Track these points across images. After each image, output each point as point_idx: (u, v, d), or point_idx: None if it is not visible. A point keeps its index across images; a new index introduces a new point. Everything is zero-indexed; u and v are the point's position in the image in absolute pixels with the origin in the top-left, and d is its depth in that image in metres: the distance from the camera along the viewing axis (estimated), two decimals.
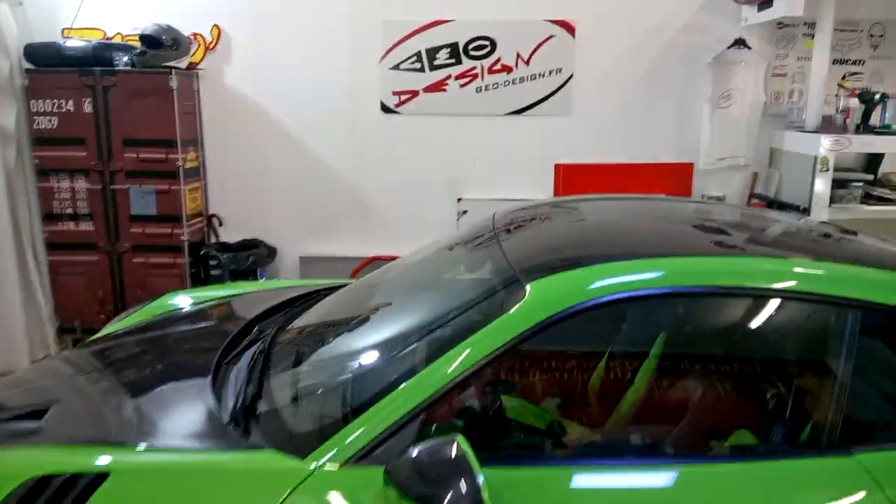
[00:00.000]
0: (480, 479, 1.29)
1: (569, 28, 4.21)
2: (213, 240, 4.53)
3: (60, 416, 1.80)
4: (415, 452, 1.34)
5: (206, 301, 2.75)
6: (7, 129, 3.90)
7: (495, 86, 4.30)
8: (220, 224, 4.53)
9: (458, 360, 1.51)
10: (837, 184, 3.83)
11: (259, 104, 4.39)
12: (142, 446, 1.58)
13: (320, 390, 1.74)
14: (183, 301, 2.78)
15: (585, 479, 1.50)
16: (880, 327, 1.59)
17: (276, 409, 1.71)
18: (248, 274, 4.29)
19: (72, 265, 4.22)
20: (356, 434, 1.48)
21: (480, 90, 4.31)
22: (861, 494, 1.39)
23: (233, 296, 2.80)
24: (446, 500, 1.27)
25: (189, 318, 2.60)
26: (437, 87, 4.30)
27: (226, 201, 4.53)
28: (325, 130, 4.41)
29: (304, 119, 4.40)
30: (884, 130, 3.78)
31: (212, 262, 4.24)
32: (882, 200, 3.88)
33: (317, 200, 4.52)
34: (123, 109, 3.97)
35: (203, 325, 2.50)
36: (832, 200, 3.75)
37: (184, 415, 1.75)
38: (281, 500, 1.41)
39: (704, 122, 4.22)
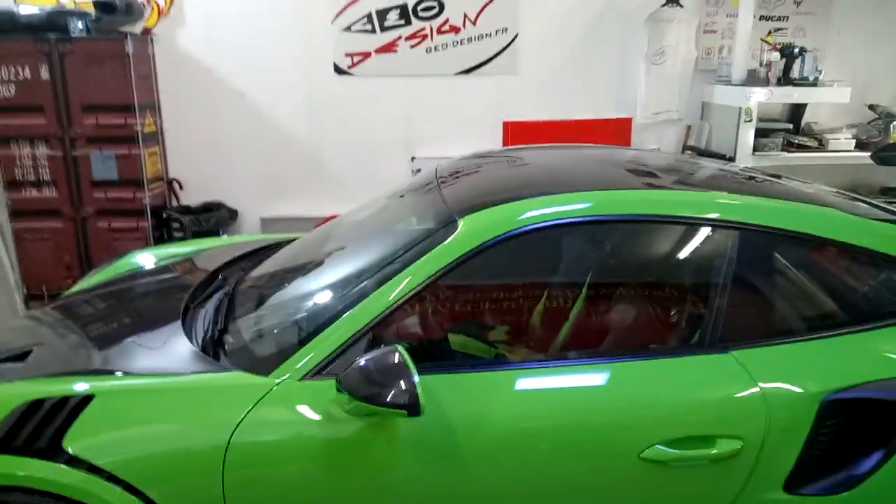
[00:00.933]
0: (416, 379, 1.53)
1: None
2: (174, 203, 4.66)
3: (42, 356, 1.99)
4: (362, 361, 1.58)
5: (169, 258, 2.92)
6: None
7: (444, 46, 4.48)
8: (181, 188, 4.67)
9: (398, 288, 1.74)
10: (761, 133, 4.14)
11: (214, 68, 4.50)
12: (121, 374, 1.80)
13: (279, 321, 1.96)
14: (146, 259, 2.94)
15: (513, 378, 1.75)
16: (763, 247, 1.86)
17: (241, 338, 1.93)
18: (211, 236, 4.44)
19: (37, 232, 4.33)
20: (311, 354, 1.71)
21: (430, 51, 4.48)
22: (735, 384, 1.68)
23: (195, 251, 2.98)
24: (389, 397, 1.52)
25: (156, 272, 2.77)
26: (389, 48, 4.47)
27: (185, 165, 4.66)
28: (281, 93, 4.55)
29: (260, 82, 4.53)
30: (802, 82, 4.08)
31: (174, 225, 4.39)
32: (802, 148, 4.20)
33: (275, 162, 4.67)
34: (80, 75, 4.06)
35: (169, 276, 2.68)
36: (755, 149, 4.05)
37: (157, 348, 1.96)
38: (248, 409, 1.65)
39: (641, 78, 4.48)
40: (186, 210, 4.53)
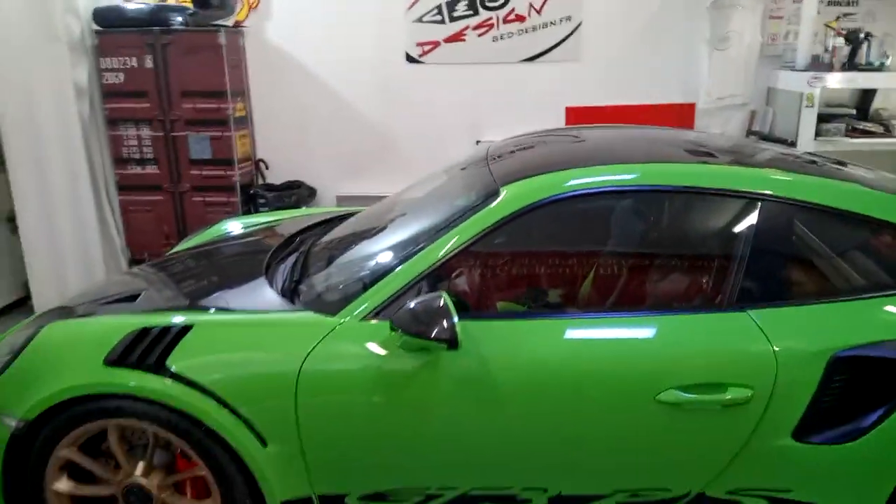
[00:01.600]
0: (455, 319, 1.79)
1: None
2: (259, 181, 5.08)
3: (149, 298, 2.37)
4: (412, 304, 1.84)
5: (253, 226, 3.29)
6: (81, 85, 4.47)
7: (510, 35, 4.68)
8: (266, 167, 5.08)
9: (446, 247, 2.00)
10: (824, 118, 4.14)
11: (297, 57, 4.88)
12: (214, 310, 2.14)
13: (345, 273, 2.25)
14: (234, 226, 3.32)
15: (546, 327, 1.97)
16: (776, 218, 2.01)
17: (313, 287, 2.23)
18: None
19: (140, 204, 4.83)
20: (369, 299, 2.00)
21: (496, 39, 4.70)
22: (750, 339, 1.85)
23: (275, 221, 3.34)
24: (433, 333, 1.78)
25: (242, 237, 3.14)
26: (457, 37, 4.71)
27: (270, 147, 5.06)
28: (357, 80, 4.87)
29: (338, 70, 4.87)
30: (867, 67, 4.05)
31: (260, 201, 4.79)
32: (866, 133, 4.18)
33: (351, 145, 5.02)
34: (180, 65, 4.50)
35: (253, 239, 3.04)
36: (818, 134, 4.07)
37: (245, 293, 2.30)
38: (317, 342, 1.94)
39: (704, 63, 4.54)
40: (270, 188, 4.94)
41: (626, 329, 1.96)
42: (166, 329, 2.01)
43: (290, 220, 3.33)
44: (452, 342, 1.77)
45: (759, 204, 2.00)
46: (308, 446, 1.96)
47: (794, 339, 1.84)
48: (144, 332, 2.02)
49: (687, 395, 1.82)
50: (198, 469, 2.02)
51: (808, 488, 1.87)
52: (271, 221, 3.33)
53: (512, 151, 2.57)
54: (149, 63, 4.53)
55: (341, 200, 5.05)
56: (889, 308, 1.88)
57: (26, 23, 4.15)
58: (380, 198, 4.91)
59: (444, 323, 1.79)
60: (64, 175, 4.45)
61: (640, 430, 1.88)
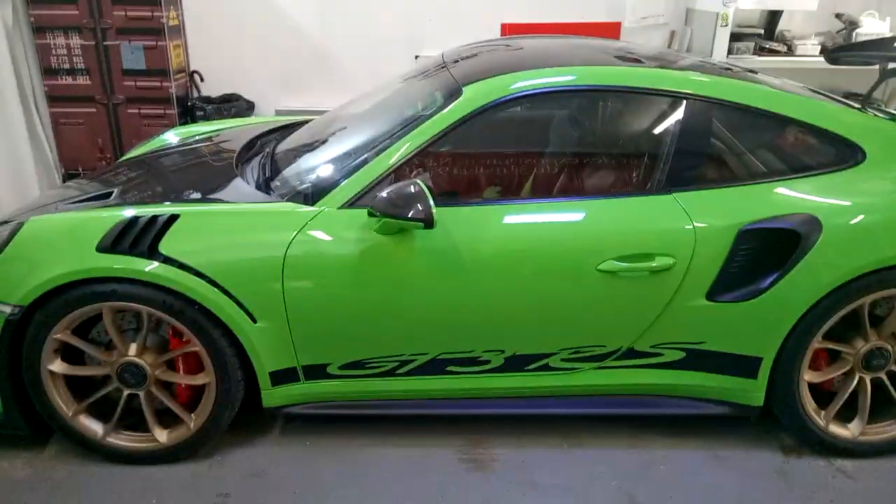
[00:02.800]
0: (432, 202, 2.03)
1: None
2: (195, 94, 5.05)
3: (125, 194, 2.48)
4: (389, 190, 2.07)
5: (199, 134, 3.35)
6: None
7: None
8: (202, 80, 5.04)
9: (419, 140, 2.22)
10: (736, 38, 4.51)
11: None
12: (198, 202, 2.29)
13: (319, 168, 2.43)
14: (172, 137, 3.38)
15: (503, 211, 2.25)
16: (697, 114, 2.33)
17: (288, 181, 2.41)
18: None
19: (72, 116, 4.72)
20: (347, 188, 2.21)
21: None
22: (673, 216, 2.19)
23: (218, 129, 3.40)
24: (411, 213, 2.02)
25: (197, 143, 3.22)
26: None
27: (205, 58, 5.01)
28: None
29: None
30: None
31: (198, 114, 4.79)
32: (772, 52, 4.59)
33: (289, 58, 5.03)
34: None
35: (212, 144, 3.14)
36: (729, 52, 4.45)
37: (221, 188, 2.46)
38: (299, 229, 2.15)
39: None
40: (208, 100, 4.92)
41: (571, 212, 2.26)
42: (154, 218, 2.16)
43: (236, 127, 3.42)
44: (429, 222, 2.02)
45: (683, 102, 2.31)
46: (293, 322, 2.20)
47: (710, 216, 2.19)
48: (134, 221, 2.16)
49: (621, 263, 2.16)
50: (191, 346, 2.22)
51: (719, 339, 2.27)
52: (215, 130, 3.41)
53: (466, 58, 2.77)
54: None
55: (280, 114, 5.09)
56: (784, 190, 2.25)
57: None
58: (320, 112, 5.04)
59: (420, 205, 2.03)
60: None
61: (583, 296, 2.22)
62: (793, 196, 2.22)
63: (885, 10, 4.90)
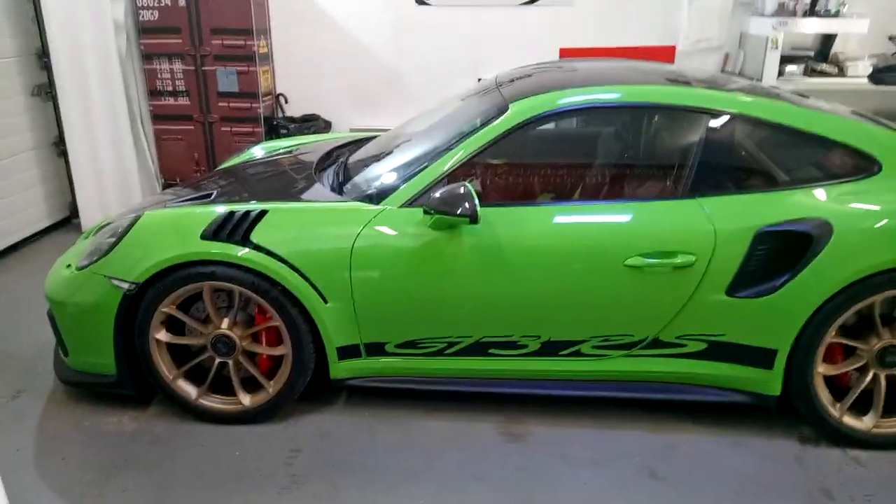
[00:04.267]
0: (476, 200, 2.37)
1: None
2: (280, 114, 5.58)
3: (222, 195, 2.93)
4: (441, 191, 2.42)
5: (280, 149, 3.81)
6: (119, 21, 4.91)
7: None
8: (286, 101, 5.57)
9: (470, 148, 2.57)
10: (788, 60, 4.68)
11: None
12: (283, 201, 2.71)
13: (385, 174, 2.81)
14: (269, 146, 3.86)
15: (546, 212, 2.56)
16: (724, 129, 2.59)
17: (358, 185, 2.80)
18: None
19: (172, 133, 5.34)
20: (407, 190, 2.57)
21: None
22: (696, 219, 2.45)
23: (300, 144, 3.86)
24: (458, 210, 2.36)
25: (280, 156, 3.68)
26: None
27: (290, 83, 5.55)
28: (370, 21, 5.34)
29: (352, 11, 5.33)
30: (825, 14, 4.58)
31: (282, 131, 5.31)
32: (823, 74, 4.73)
33: (363, 81, 5.51)
34: (210, 4, 4.94)
35: (293, 156, 3.58)
36: (780, 74, 4.62)
37: (304, 190, 2.87)
38: (365, 223, 2.53)
39: (684, 9, 5.04)
40: (291, 120, 5.45)
41: (606, 214, 2.55)
42: (247, 213, 2.59)
43: (313, 142, 3.86)
44: (473, 217, 2.37)
45: (713, 117, 2.58)
46: (358, 304, 2.57)
47: (730, 219, 2.44)
48: (230, 215, 2.59)
49: (647, 259, 2.43)
50: (273, 322, 2.62)
51: (737, 332, 2.50)
52: (295, 145, 3.85)
53: (517, 78, 3.11)
54: (182, 2, 4.97)
55: (354, 131, 5.56)
56: (801, 197, 2.47)
57: None
58: (388, 130, 5.50)
59: (467, 204, 2.37)
60: (104, 105, 4.93)
61: (612, 289, 2.49)
62: (808, 202, 2.44)
63: None
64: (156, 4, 4.99)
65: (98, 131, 4.94)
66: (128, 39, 5.02)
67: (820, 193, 2.47)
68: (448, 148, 2.65)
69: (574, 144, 3.25)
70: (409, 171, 2.68)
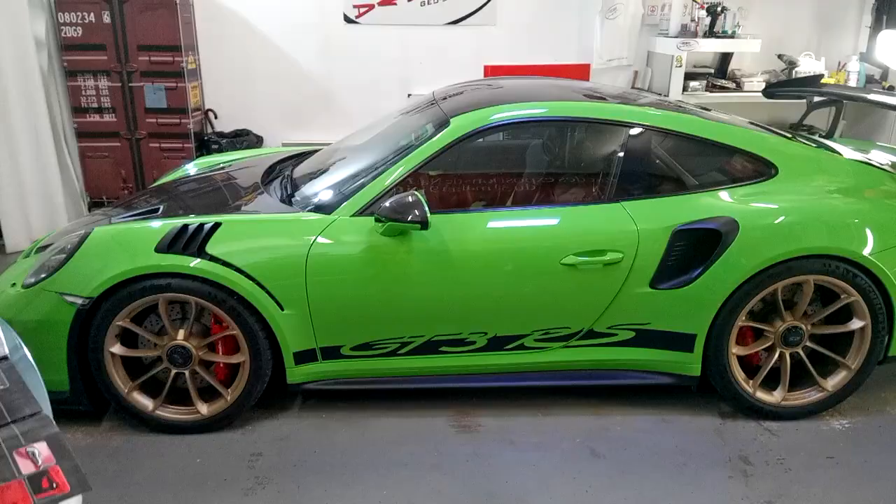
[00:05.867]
0: (426, 208, 2.55)
1: None
2: (209, 130, 5.59)
3: (170, 210, 2.99)
4: (391, 201, 2.59)
5: (216, 164, 3.87)
6: (39, 37, 4.81)
7: (436, 1, 5.38)
8: (216, 117, 5.58)
9: (417, 160, 2.75)
10: (691, 76, 5.13)
11: (242, 15, 5.38)
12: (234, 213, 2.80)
13: (334, 185, 2.95)
14: (203, 163, 3.91)
15: (485, 217, 2.78)
16: (640, 140, 2.88)
17: (308, 196, 2.93)
18: None
19: (98, 150, 5.25)
20: (358, 200, 2.72)
21: (424, 4, 5.39)
22: (621, 221, 2.72)
23: (236, 159, 3.93)
24: (409, 217, 2.54)
25: (218, 171, 3.74)
26: (390, 1, 5.36)
27: (219, 98, 5.56)
28: (299, 37, 5.44)
29: (281, 28, 5.42)
30: (723, 35, 5.06)
31: (213, 147, 5.31)
32: (722, 89, 5.21)
33: (294, 97, 5.60)
34: (136, 20, 4.92)
35: (233, 170, 3.65)
36: (684, 89, 5.05)
37: (252, 202, 2.97)
38: (319, 232, 2.66)
39: (597, 30, 5.43)
40: (222, 135, 5.46)
41: (540, 218, 2.79)
42: (201, 225, 2.67)
43: (248, 157, 3.94)
44: (424, 223, 2.54)
45: (628, 130, 2.87)
46: (314, 310, 2.69)
47: (650, 219, 2.72)
48: (184, 228, 2.66)
49: (580, 258, 2.68)
50: (229, 330, 2.70)
51: (661, 320, 2.78)
52: (230, 161, 3.92)
53: (453, 95, 3.33)
54: (106, 18, 4.92)
55: (287, 146, 5.63)
56: (710, 198, 2.78)
57: None
58: (322, 145, 5.60)
59: (417, 211, 2.55)
60: (26, 122, 4.82)
61: (551, 286, 2.73)
62: (716, 202, 2.76)
63: (822, 51, 5.55)
64: (79, 21, 4.92)
65: (20, 149, 4.82)
66: (49, 56, 4.93)
67: (726, 195, 2.79)
68: (394, 160, 2.82)
69: (504, 155, 3.50)
70: (359, 182, 2.83)
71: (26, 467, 0.94)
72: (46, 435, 1.02)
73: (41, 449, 0.97)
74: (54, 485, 0.92)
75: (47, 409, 1.23)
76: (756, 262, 2.67)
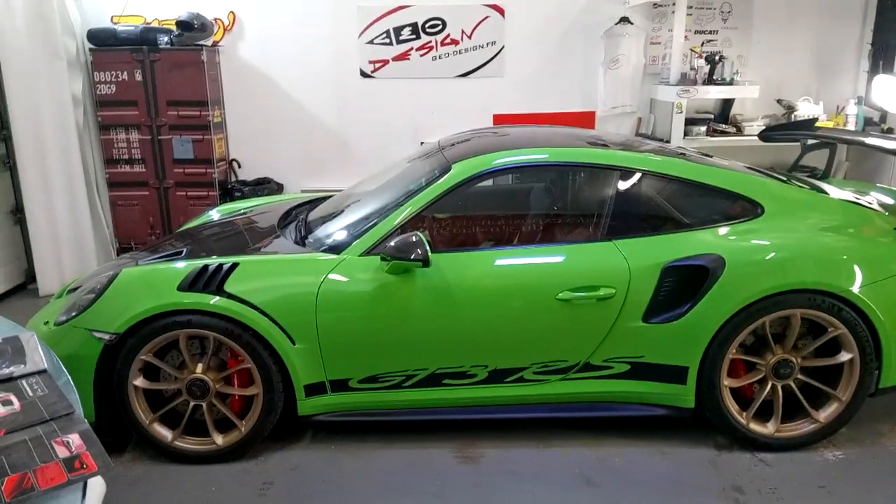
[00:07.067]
0: (427, 247, 2.73)
1: (500, 10, 5.61)
2: (233, 178, 5.88)
3: (193, 252, 3.21)
4: (396, 240, 2.78)
5: (238, 210, 4.11)
6: (77, 96, 5.18)
7: (447, 55, 5.68)
8: (239, 166, 5.88)
9: (420, 203, 2.95)
10: (693, 122, 5.32)
11: (265, 72, 5.72)
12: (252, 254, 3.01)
13: (343, 227, 3.15)
14: (224, 209, 4.17)
15: (487, 257, 2.95)
16: (634, 183, 3.05)
17: (319, 238, 3.13)
18: None
19: (128, 199, 5.54)
20: (365, 241, 2.92)
21: (436, 59, 5.69)
22: (613, 258, 2.88)
23: (256, 205, 4.18)
24: (412, 256, 2.72)
25: (239, 216, 3.98)
26: (403, 56, 5.68)
27: (242, 149, 5.87)
28: (318, 92, 5.76)
29: (301, 83, 5.74)
30: (721, 82, 5.26)
31: (237, 194, 5.59)
32: (723, 133, 5.38)
33: (313, 147, 5.89)
34: (166, 78, 5.26)
35: (252, 215, 3.89)
36: (686, 134, 5.23)
37: (269, 244, 3.18)
38: (329, 271, 2.85)
39: (600, 80, 5.67)
40: (245, 183, 5.74)
41: (538, 256, 2.96)
42: (220, 266, 2.88)
43: (267, 203, 4.19)
44: (426, 261, 2.72)
45: (621, 173, 3.05)
46: (324, 344, 2.86)
47: (641, 257, 2.87)
48: (204, 268, 2.87)
49: (575, 293, 2.83)
50: (244, 364, 2.88)
51: (654, 353, 2.90)
52: (251, 206, 4.17)
53: (457, 142, 3.55)
54: (138, 77, 5.27)
55: (305, 193, 5.89)
56: (695, 236, 2.93)
57: (30, 44, 4.84)
58: (338, 191, 5.86)
59: (419, 250, 2.74)
60: (62, 174, 5.15)
61: (547, 320, 2.87)
62: (703, 240, 2.91)
63: (821, 95, 5.73)
64: (113, 80, 5.28)
65: (56, 199, 5.13)
66: (85, 112, 5.28)
67: (713, 233, 2.94)
68: (399, 203, 3.02)
69: (509, 198, 3.70)
70: (366, 224, 3.03)
71: (62, 452, 1.16)
72: (79, 429, 1.23)
73: (74, 439, 1.19)
74: (85, 465, 1.13)
75: (80, 413, 1.43)
76: (742, 297, 2.80)
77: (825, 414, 2.95)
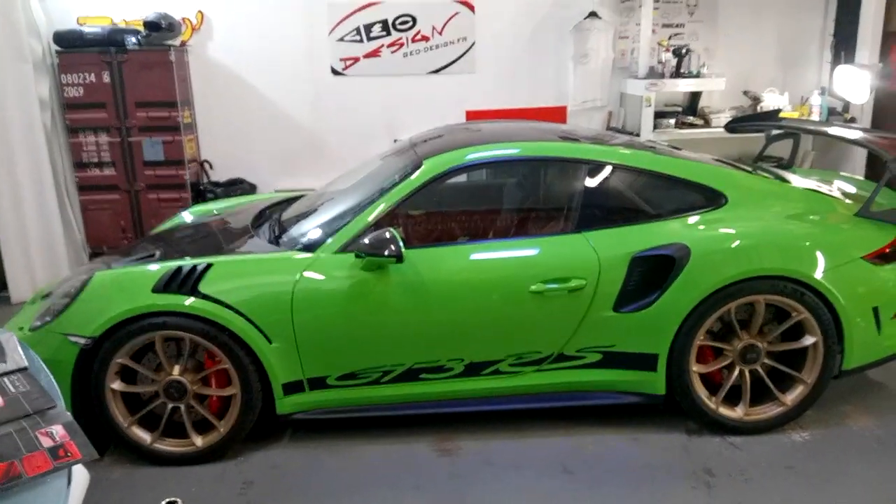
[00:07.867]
0: (401, 243, 2.77)
1: (469, 6, 5.65)
2: (205, 180, 5.85)
3: (166, 255, 3.20)
4: (370, 237, 2.81)
5: (210, 211, 4.10)
6: (44, 98, 5.11)
7: (418, 52, 5.71)
8: (211, 167, 5.85)
9: (393, 199, 2.98)
10: (662, 115, 5.41)
11: (235, 71, 5.69)
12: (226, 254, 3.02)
13: (317, 225, 3.17)
14: (197, 210, 4.16)
15: (459, 251, 2.99)
16: (603, 176, 3.11)
17: (294, 237, 3.15)
18: None
19: (99, 203, 5.48)
20: (339, 239, 2.94)
21: (407, 55, 5.71)
22: (583, 250, 2.93)
23: (229, 206, 4.17)
24: (386, 252, 2.75)
25: (213, 217, 3.98)
26: (374, 53, 5.69)
27: (214, 149, 5.84)
28: (290, 90, 5.75)
29: (272, 82, 5.72)
30: (688, 75, 5.36)
31: (209, 196, 5.56)
32: (691, 126, 5.48)
33: (285, 146, 5.87)
34: (134, 79, 5.21)
35: (225, 216, 3.89)
36: (655, 127, 5.32)
37: (243, 244, 3.19)
38: (304, 269, 2.87)
39: (570, 74, 5.74)
40: (216, 185, 5.72)
41: (507, 250, 3.01)
42: (194, 267, 2.88)
43: (240, 204, 4.19)
44: (399, 257, 2.76)
45: (588, 167, 3.11)
46: (300, 342, 2.89)
47: (610, 248, 2.94)
48: (178, 269, 2.87)
49: (547, 285, 2.89)
50: (221, 364, 2.89)
51: (625, 342, 2.97)
52: (223, 207, 4.16)
53: (429, 139, 3.58)
54: (106, 78, 5.22)
55: (279, 193, 5.88)
56: (661, 227, 3.00)
57: None
58: (312, 190, 5.86)
59: (392, 246, 2.77)
60: (31, 179, 5.08)
61: (521, 312, 2.92)
62: (669, 230, 2.98)
63: (786, 86, 5.85)
64: (80, 82, 5.22)
65: (25, 205, 5.07)
66: (53, 115, 5.21)
67: (680, 223, 3.02)
68: (372, 200, 3.05)
69: (482, 194, 3.75)
70: (340, 222, 3.05)
71: (47, 443, 1.23)
72: (62, 421, 1.28)
73: (58, 430, 1.25)
74: (69, 454, 1.19)
75: (62, 406, 1.47)
76: (708, 284, 2.87)
77: (791, 397, 3.05)
